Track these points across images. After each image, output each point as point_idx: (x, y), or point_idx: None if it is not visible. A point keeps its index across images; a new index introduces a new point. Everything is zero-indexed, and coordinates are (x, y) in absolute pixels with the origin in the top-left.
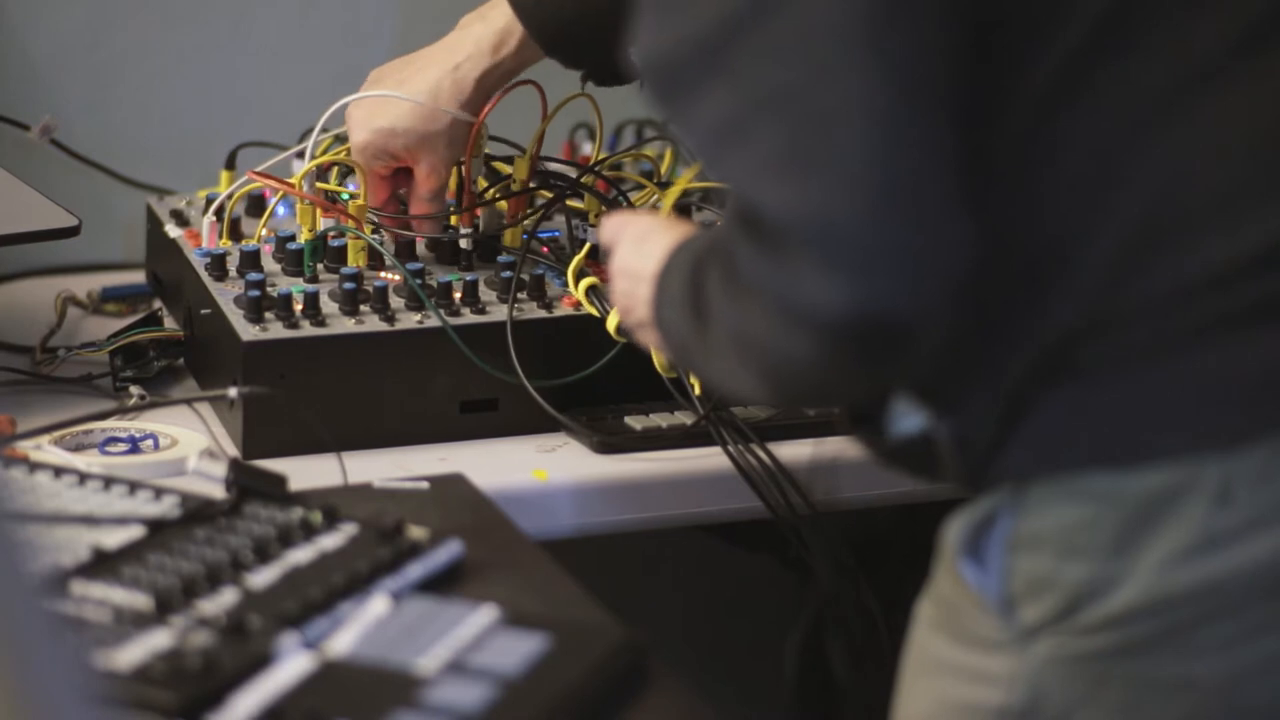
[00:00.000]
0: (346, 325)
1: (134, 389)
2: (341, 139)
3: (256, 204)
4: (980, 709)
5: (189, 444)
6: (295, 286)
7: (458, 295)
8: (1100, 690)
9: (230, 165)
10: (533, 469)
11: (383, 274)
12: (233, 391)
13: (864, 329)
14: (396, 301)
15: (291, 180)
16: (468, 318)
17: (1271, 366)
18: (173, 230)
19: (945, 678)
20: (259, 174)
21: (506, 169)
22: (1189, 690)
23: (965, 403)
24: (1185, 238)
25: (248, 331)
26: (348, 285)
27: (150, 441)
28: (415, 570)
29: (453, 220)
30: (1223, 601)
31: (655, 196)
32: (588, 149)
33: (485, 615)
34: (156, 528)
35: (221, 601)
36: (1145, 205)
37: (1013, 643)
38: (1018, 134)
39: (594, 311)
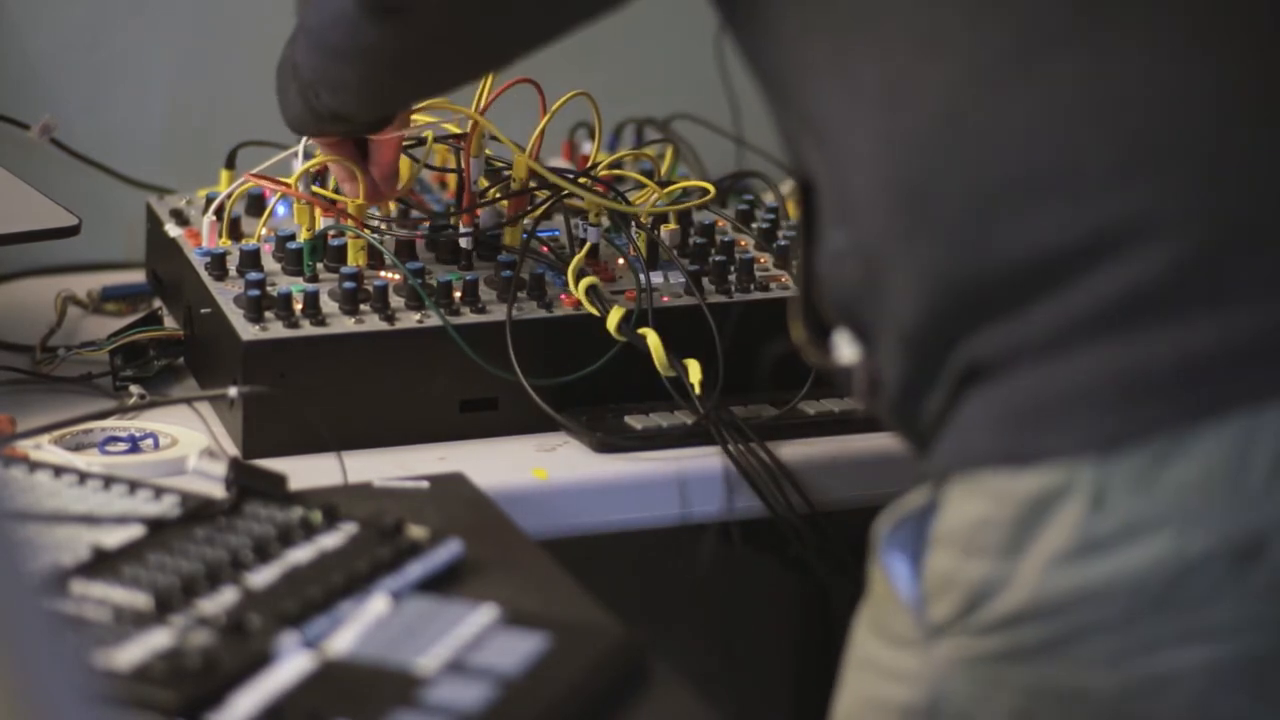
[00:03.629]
0: (346, 325)
1: (134, 388)
2: None
3: (256, 203)
4: (889, 705)
5: (189, 443)
6: (295, 286)
7: (458, 294)
8: (995, 694)
9: (230, 165)
10: (532, 468)
11: (383, 273)
12: (233, 391)
13: None
14: (396, 301)
15: (288, 180)
16: (467, 317)
17: (1147, 368)
18: (173, 230)
19: (867, 673)
20: (258, 175)
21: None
22: (1082, 703)
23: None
24: (1034, 208)
25: (248, 331)
26: (348, 284)
27: (150, 441)
28: (415, 570)
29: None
30: (1104, 611)
31: (655, 196)
32: (588, 148)
33: (485, 615)
34: (156, 527)
35: (221, 601)
36: (994, 164)
37: (922, 641)
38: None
39: (594, 311)
